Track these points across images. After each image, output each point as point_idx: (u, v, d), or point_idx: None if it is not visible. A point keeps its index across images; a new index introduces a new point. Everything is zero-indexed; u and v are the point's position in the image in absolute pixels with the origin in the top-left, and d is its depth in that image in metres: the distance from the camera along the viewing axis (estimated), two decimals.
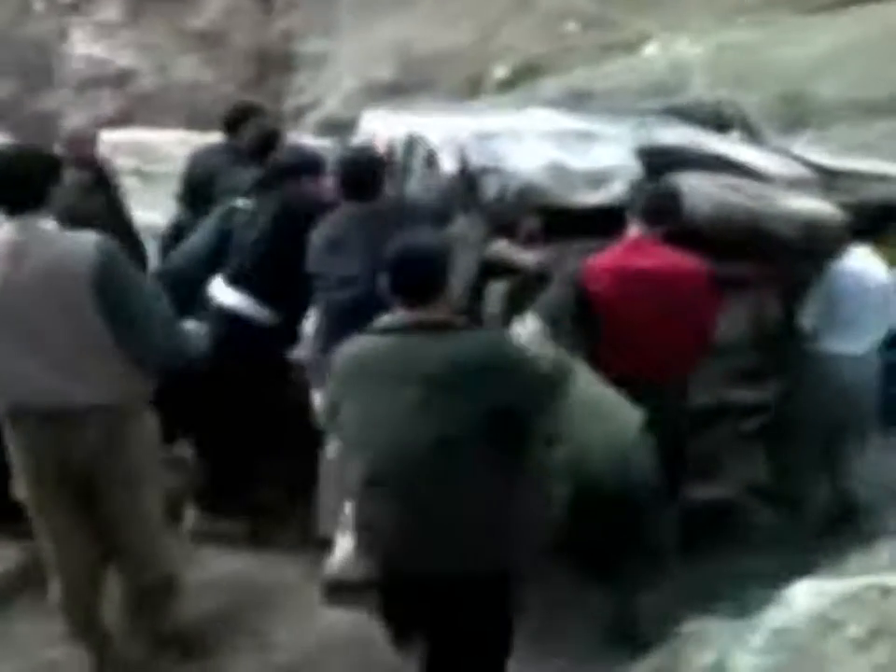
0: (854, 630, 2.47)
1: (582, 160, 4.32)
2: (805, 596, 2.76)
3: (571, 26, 19.85)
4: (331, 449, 4.10)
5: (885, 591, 2.62)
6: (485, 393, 2.79)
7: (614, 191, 4.20)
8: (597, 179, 4.24)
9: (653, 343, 3.89)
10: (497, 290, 3.96)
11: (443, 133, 4.43)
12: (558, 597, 3.94)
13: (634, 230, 3.95)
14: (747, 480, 4.73)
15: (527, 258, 3.78)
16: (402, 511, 2.85)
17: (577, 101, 15.31)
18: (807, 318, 4.41)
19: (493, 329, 3.56)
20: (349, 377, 2.97)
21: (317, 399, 4.11)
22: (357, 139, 5.21)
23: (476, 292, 3.83)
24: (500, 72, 19.46)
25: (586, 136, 4.67)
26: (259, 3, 16.02)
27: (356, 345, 3.02)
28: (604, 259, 3.93)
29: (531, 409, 2.94)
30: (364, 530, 3.06)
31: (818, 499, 4.67)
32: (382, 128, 4.85)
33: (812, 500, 4.64)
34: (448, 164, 4.17)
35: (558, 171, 4.21)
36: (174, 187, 6.05)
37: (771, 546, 4.50)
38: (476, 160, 4.20)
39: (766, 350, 4.66)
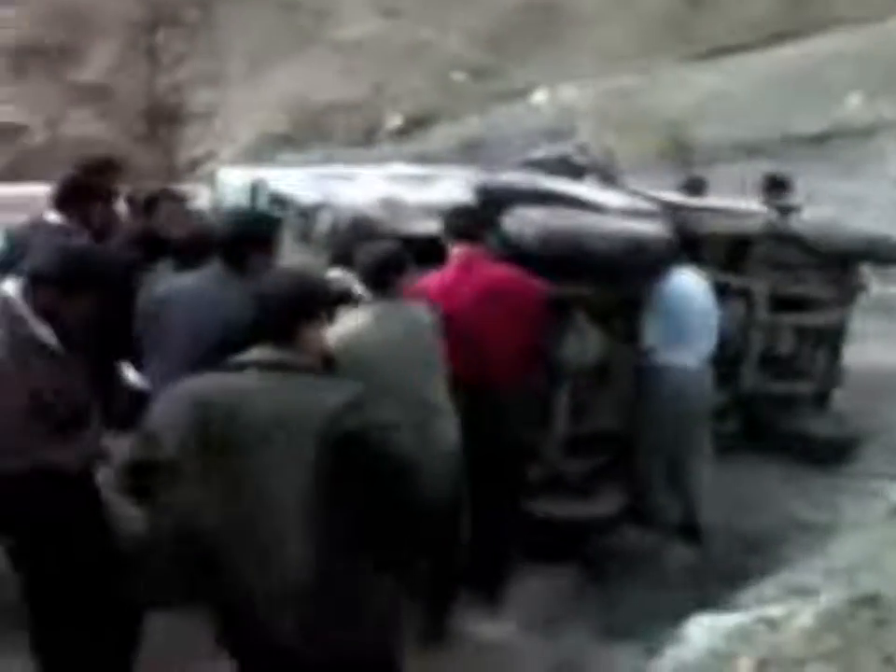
0: (744, 663, 2.51)
1: (417, 195, 4.41)
2: (699, 632, 2.82)
3: (459, 76, 20.29)
4: None
5: (771, 623, 2.69)
6: None
7: None
8: (431, 211, 4.31)
9: (493, 349, 3.94)
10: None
11: (282, 177, 4.54)
12: None
13: (455, 250, 4.00)
14: (621, 501, 4.79)
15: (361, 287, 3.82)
16: None
17: (469, 150, 15.63)
18: (647, 335, 4.57)
19: None
20: None
21: None
22: (215, 193, 5.24)
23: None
24: (394, 122, 19.78)
25: (425, 177, 4.80)
26: (145, 55, 15.93)
27: None
28: (439, 277, 3.96)
29: None
30: None
31: (671, 515, 4.73)
32: (233, 180, 4.96)
33: (665, 516, 4.70)
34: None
35: (391, 204, 4.29)
36: None
37: (673, 581, 4.55)
38: (310, 197, 4.26)
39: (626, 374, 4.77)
